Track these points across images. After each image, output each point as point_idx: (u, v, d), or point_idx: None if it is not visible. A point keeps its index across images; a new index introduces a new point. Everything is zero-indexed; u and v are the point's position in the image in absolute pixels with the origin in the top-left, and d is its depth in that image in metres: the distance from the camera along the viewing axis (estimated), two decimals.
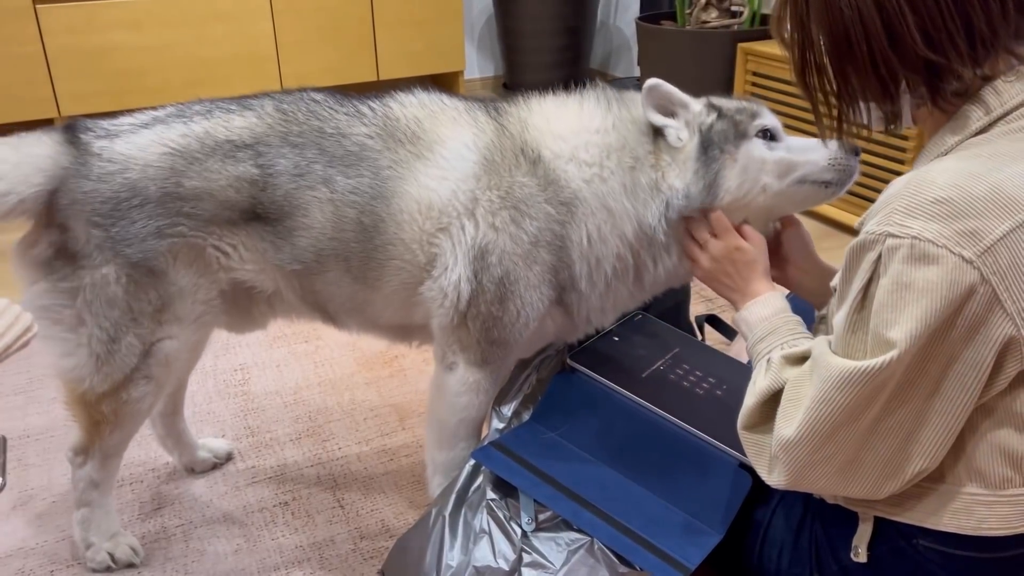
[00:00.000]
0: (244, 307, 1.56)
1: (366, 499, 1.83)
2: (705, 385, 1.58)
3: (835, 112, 1.17)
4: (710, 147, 1.38)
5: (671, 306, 1.80)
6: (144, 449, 1.96)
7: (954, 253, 0.96)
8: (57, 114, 3.74)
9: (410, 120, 1.47)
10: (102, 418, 1.51)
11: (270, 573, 1.63)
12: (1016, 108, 1.06)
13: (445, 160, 1.43)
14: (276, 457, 1.97)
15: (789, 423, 1.09)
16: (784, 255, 1.46)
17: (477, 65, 4.94)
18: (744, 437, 1.19)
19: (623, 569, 1.29)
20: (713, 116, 1.40)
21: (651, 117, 1.40)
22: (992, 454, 1.07)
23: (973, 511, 1.10)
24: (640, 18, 4.24)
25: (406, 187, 1.43)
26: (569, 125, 1.45)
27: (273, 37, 4.05)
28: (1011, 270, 0.97)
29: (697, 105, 1.42)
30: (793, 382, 1.12)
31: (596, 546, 1.31)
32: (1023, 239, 0.97)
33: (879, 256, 1.01)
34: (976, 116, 1.08)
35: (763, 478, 1.16)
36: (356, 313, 1.55)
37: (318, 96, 1.51)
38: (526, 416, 1.53)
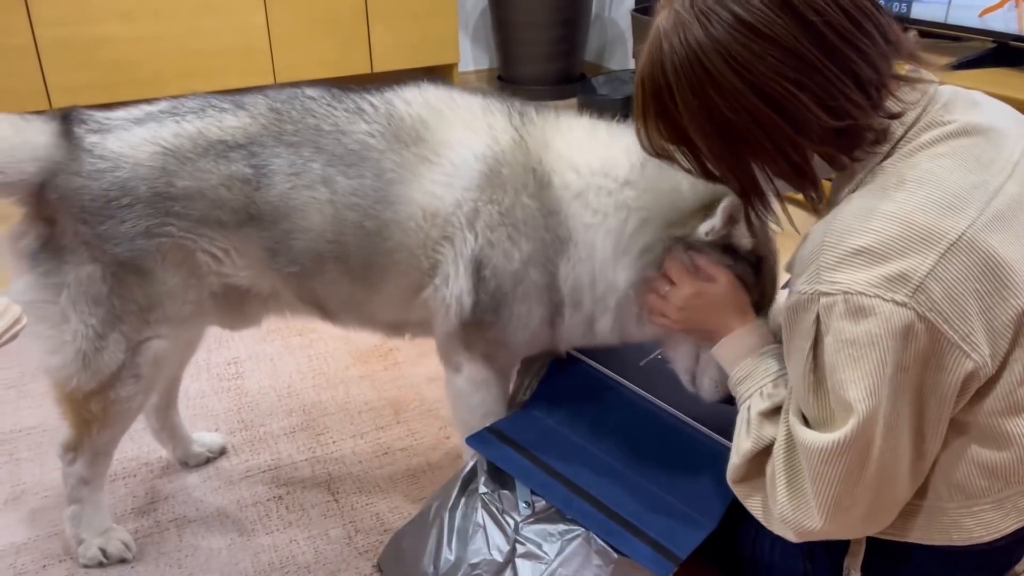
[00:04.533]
0: (237, 306, 1.54)
1: (361, 493, 1.82)
2: None
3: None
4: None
5: None
6: (137, 443, 1.95)
7: (887, 300, 0.96)
8: (48, 106, 3.71)
9: (415, 120, 1.42)
10: (91, 416, 1.50)
11: (264, 568, 1.62)
12: (913, 125, 1.06)
13: (452, 165, 1.39)
14: (270, 451, 1.96)
15: (807, 514, 1.08)
16: None
17: (472, 57, 4.92)
18: (735, 488, 1.20)
19: (617, 557, 1.29)
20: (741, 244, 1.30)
21: (717, 221, 1.27)
22: (968, 468, 1.08)
23: (961, 524, 1.10)
24: (635, 10, 4.23)
25: (411, 193, 1.39)
26: (589, 161, 1.38)
27: (266, 29, 4.02)
28: (945, 301, 0.97)
29: (747, 243, 1.29)
30: (779, 456, 1.11)
31: (590, 535, 1.31)
32: (950, 267, 0.97)
33: (817, 316, 1.01)
34: (888, 135, 1.07)
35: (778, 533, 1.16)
36: (354, 311, 1.54)
37: (313, 93, 1.47)
38: None
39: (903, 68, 1.10)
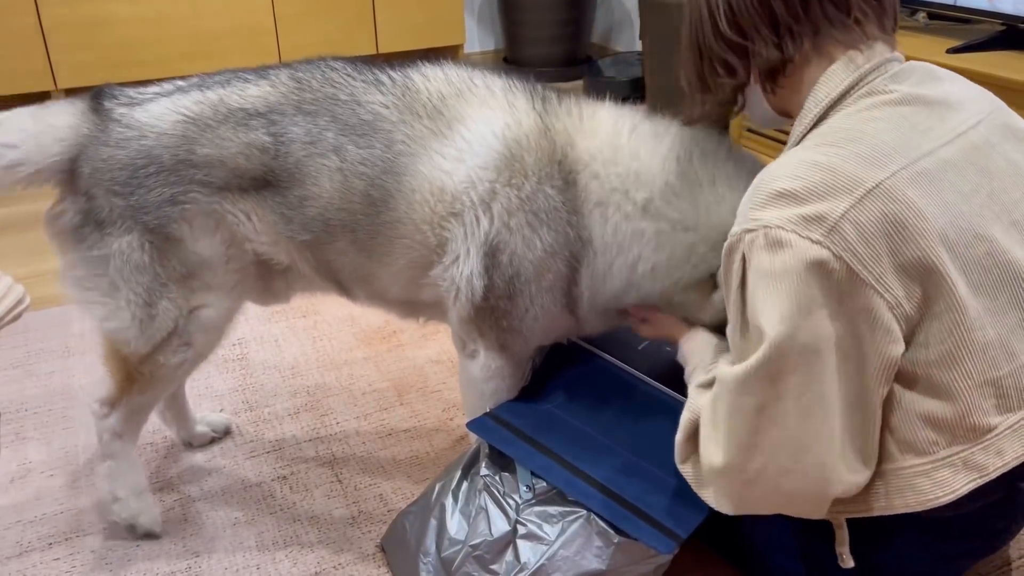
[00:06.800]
0: (265, 280, 1.57)
1: (364, 474, 1.83)
2: None
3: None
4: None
5: None
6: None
7: (802, 236, 1.02)
8: (54, 86, 3.71)
9: (433, 94, 1.42)
10: (140, 377, 1.53)
11: (267, 547, 1.63)
12: (847, 92, 1.15)
13: (465, 142, 1.39)
14: (274, 432, 1.97)
15: (716, 448, 1.12)
16: None
17: (477, 39, 4.90)
18: (683, 471, 1.22)
19: (618, 539, 1.29)
20: None
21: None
22: (912, 421, 1.10)
23: (915, 485, 1.11)
24: None
25: (419, 165, 1.39)
26: (620, 172, 1.35)
27: (271, 9, 4.01)
28: (860, 243, 1.02)
29: None
30: (706, 407, 1.15)
31: (591, 517, 1.32)
32: (864, 211, 1.03)
33: (743, 255, 1.07)
34: (812, 104, 1.16)
35: (711, 505, 1.19)
36: (364, 285, 1.54)
37: (336, 63, 1.49)
38: None
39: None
